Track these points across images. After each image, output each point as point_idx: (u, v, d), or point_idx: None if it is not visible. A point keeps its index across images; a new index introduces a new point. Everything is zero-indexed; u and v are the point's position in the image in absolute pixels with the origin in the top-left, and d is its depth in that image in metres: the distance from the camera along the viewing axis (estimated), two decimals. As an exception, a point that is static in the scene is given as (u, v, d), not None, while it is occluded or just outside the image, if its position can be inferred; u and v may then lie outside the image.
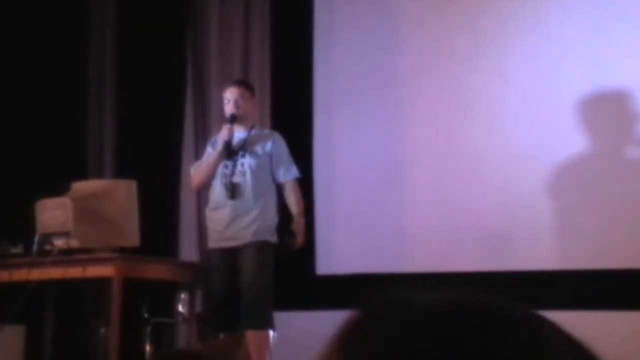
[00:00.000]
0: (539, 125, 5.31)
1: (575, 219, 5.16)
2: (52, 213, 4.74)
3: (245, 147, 4.97)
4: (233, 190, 4.88)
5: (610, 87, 5.18)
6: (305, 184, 5.73)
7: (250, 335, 4.73)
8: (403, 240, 5.62)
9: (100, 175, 6.19)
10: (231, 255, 4.85)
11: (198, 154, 6.19)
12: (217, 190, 4.95)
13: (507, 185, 5.38)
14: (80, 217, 4.69)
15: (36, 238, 4.74)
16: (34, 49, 6.16)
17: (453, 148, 5.53)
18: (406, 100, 5.74)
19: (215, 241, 4.94)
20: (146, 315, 5.37)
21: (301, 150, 5.88)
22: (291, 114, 6.01)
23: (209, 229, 5.01)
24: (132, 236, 4.78)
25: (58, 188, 4.89)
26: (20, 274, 4.78)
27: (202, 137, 6.18)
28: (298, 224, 4.93)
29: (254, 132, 5.05)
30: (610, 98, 5.19)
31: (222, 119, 5.18)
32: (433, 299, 0.64)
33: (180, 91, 6.26)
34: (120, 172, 6.05)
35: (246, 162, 4.92)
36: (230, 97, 4.99)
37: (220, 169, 4.95)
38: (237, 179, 4.90)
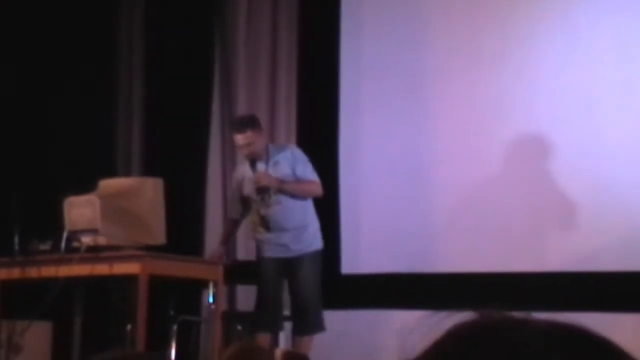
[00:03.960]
0: (568, 126, 5.28)
1: (605, 219, 5.11)
2: (80, 210, 4.78)
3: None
4: (267, 223, 5.00)
5: None
6: (331, 184, 5.74)
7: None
8: (429, 241, 5.60)
9: (127, 173, 6.23)
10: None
11: (225, 153, 6.22)
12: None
13: (535, 187, 5.35)
14: (108, 215, 4.73)
15: (64, 235, 4.78)
16: (62, 46, 6.22)
17: (480, 150, 5.50)
18: (433, 102, 5.72)
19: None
20: (172, 313, 5.40)
21: (327, 150, 5.89)
22: (317, 115, 6.02)
23: None
24: (158, 234, 4.81)
25: (86, 186, 4.93)
26: (49, 271, 4.83)
27: (229, 136, 6.21)
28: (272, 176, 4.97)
29: (271, 158, 5.06)
30: None
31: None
32: (542, 326, 0.63)
33: (207, 90, 6.29)
34: (147, 170, 6.09)
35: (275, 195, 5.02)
36: (239, 144, 5.07)
37: (255, 205, 5.06)
38: (270, 210, 5.01)
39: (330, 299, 5.59)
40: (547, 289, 5.05)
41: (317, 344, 5.07)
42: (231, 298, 5.83)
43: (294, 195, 5.02)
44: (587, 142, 5.21)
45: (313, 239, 5.07)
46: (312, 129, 6.00)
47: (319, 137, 6.00)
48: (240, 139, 5.02)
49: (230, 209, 5.39)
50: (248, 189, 5.07)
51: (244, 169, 5.14)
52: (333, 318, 5.43)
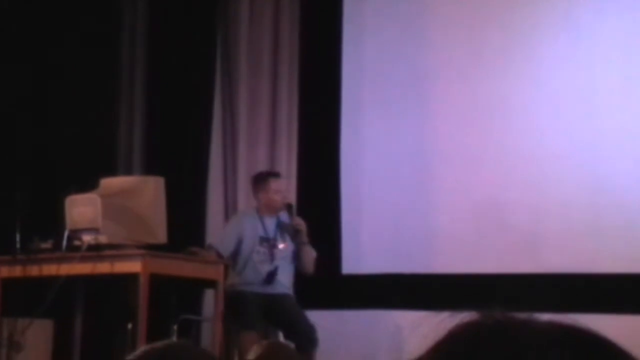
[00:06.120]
0: (570, 126, 5.29)
1: (607, 221, 5.11)
2: (81, 209, 4.78)
3: (277, 235, 5.19)
4: (269, 278, 5.11)
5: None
6: (332, 184, 5.74)
7: None
8: (430, 241, 5.61)
9: (128, 172, 6.23)
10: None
11: (226, 152, 6.22)
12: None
13: (537, 187, 5.36)
14: (109, 213, 4.73)
15: (65, 233, 4.79)
16: (64, 46, 6.23)
17: (482, 149, 5.51)
18: (435, 101, 5.73)
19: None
20: (173, 312, 5.40)
21: (328, 150, 5.90)
22: (319, 116, 6.02)
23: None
24: (159, 233, 4.82)
25: (87, 184, 4.94)
26: (50, 269, 4.83)
27: (230, 135, 6.22)
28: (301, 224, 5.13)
29: (282, 217, 5.24)
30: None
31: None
32: (544, 327, 0.63)
33: (208, 89, 6.29)
34: (149, 168, 6.09)
35: (281, 250, 5.15)
36: (279, 189, 5.19)
37: (255, 255, 5.16)
38: (271, 266, 5.13)
39: (330, 299, 5.60)
40: (548, 290, 5.05)
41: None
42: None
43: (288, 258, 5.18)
44: (588, 142, 5.21)
45: (289, 288, 5.21)
46: (313, 129, 6.01)
47: (321, 137, 6.00)
48: (283, 184, 5.25)
49: (227, 244, 5.25)
50: (252, 242, 5.15)
51: (253, 222, 5.21)
52: (333, 318, 5.43)
